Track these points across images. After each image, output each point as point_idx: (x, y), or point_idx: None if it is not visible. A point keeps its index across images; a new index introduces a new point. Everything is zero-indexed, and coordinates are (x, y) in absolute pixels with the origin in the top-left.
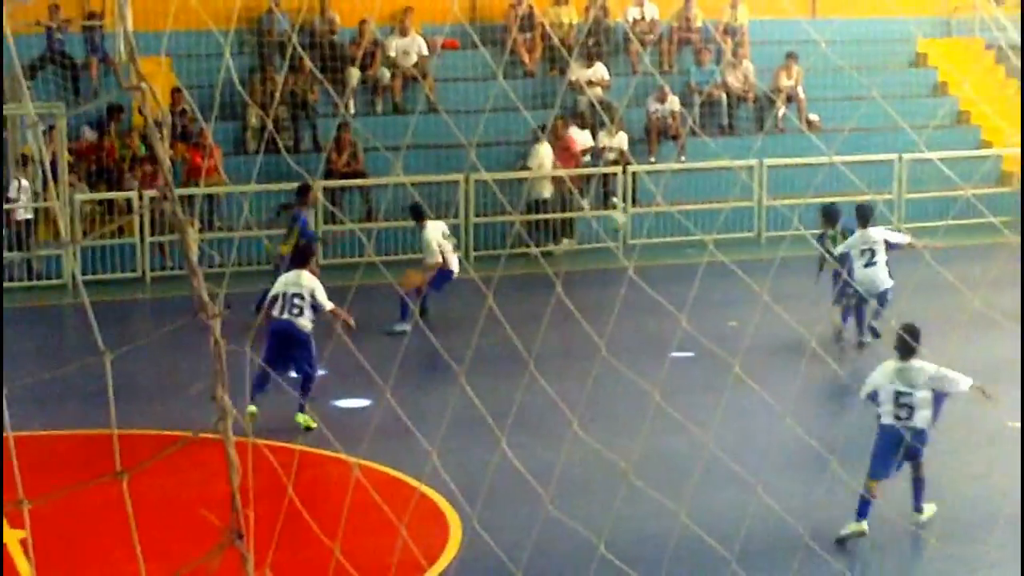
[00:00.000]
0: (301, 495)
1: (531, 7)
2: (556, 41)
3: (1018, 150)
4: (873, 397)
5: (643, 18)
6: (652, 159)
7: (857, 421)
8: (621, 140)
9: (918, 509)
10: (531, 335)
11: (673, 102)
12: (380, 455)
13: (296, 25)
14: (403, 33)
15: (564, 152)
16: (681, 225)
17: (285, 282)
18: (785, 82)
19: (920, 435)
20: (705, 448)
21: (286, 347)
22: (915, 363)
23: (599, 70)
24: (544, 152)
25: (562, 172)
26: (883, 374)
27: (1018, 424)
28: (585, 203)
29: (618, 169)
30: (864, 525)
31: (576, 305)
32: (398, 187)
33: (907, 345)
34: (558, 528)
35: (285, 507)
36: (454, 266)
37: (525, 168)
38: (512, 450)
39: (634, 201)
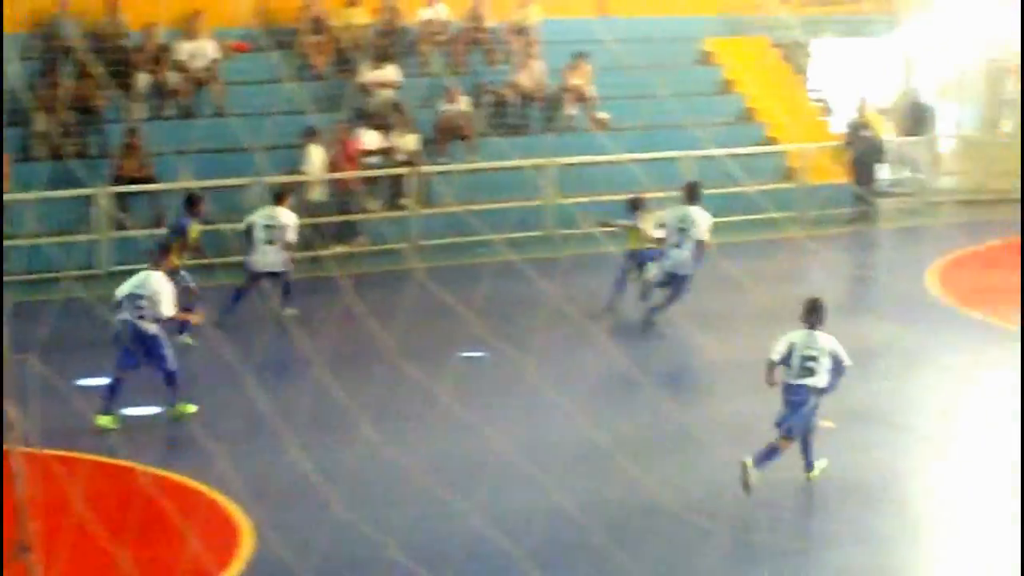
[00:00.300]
0: (91, 505)
1: (322, 10)
2: (346, 43)
3: (802, 146)
4: (785, 360)
5: (434, 19)
6: (443, 159)
7: (647, 415)
8: (412, 141)
9: (809, 467)
10: (323, 338)
11: (464, 102)
12: (172, 462)
13: (84, 29)
14: (193, 36)
15: (346, 154)
16: (472, 225)
17: (132, 283)
18: (575, 81)
19: (820, 392)
20: (497, 447)
21: (136, 348)
22: (818, 333)
23: (390, 71)
24: (315, 155)
25: (353, 173)
26: (793, 339)
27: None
28: (374, 204)
29: (409, 170)
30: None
31: (368, 308)
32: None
33: (813, 316)
34: (350, 531)
35: (73, 518)
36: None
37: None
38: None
39: (425, 202)
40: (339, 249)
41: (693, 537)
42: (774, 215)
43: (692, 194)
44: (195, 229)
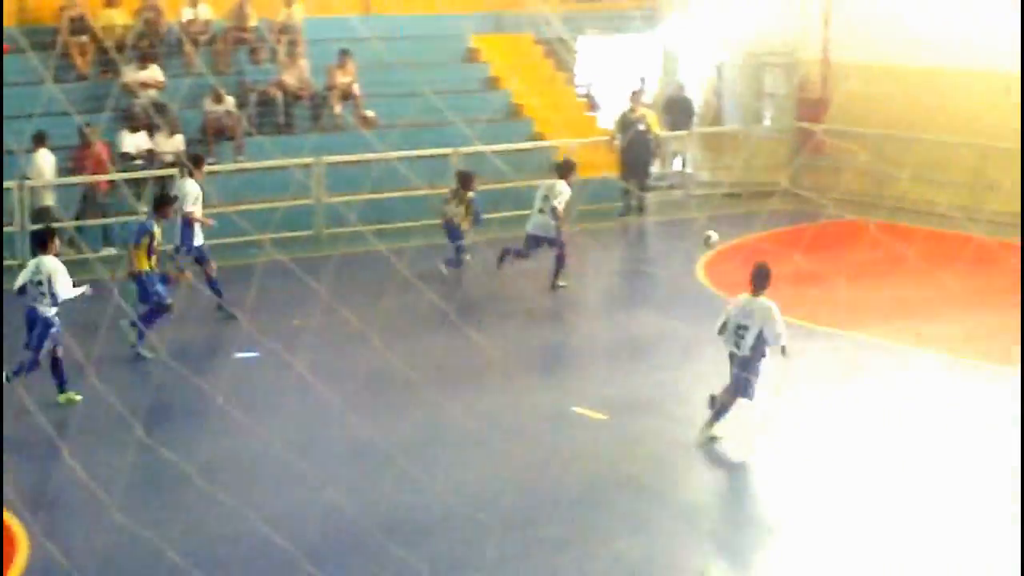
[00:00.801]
0: None
1: (82, 10)
2: (108, 44)
3: (569, 141)
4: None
5: (197, 18)
6: (210, 160)
7: (423, 413)
8: (177, 142)
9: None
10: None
11: (229, 102)
12: None
13: None
14: None
15: (93, 158)
16: (240, 226)
17: (28, 270)
18: (341, 79)
19: (744, 363)
20: (272, 447)
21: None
22: (761, 299)
23: (153, 72)
24: (42, 160)
25: (115, 176)
26: (733, 307)
27: (580, 409)
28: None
29: (175, 171)
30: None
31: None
32: None
33: (759, 282)
34: (126, 535)
35: None
36: None
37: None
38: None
39: None
40: (106, 252)
41: (471, 533)
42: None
43: (563, 169)
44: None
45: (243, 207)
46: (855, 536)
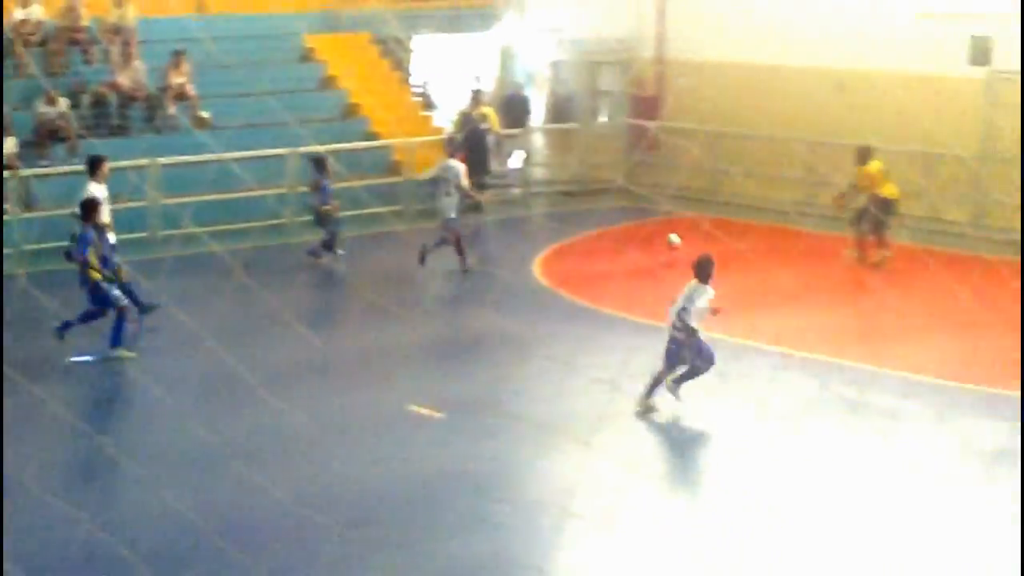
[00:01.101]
0: None
1: None
2: None
3: (406, 140)
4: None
5: (28, 19)
6: (43, 162)
7: (256, 415)
8: (10, 144)
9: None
10: None
11: (63, 103)
12: None
13: None
14: None
15: None
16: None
17: None
18: (175, 80)
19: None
20: (107, 451)
21: None
22: (706, 287)
23: None
24: None
25: None
26: (682, 294)
27: (417, 408)
28: None
29: (8, 173)
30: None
31: None
32: None
33: (703, 272)
34: None
35: None
36: None
37: None
38: None
39: (26, 205)
40: None
41: (310, 534)
42: (380, 210)
43: (454, 149)
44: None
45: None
46: (692, 528)
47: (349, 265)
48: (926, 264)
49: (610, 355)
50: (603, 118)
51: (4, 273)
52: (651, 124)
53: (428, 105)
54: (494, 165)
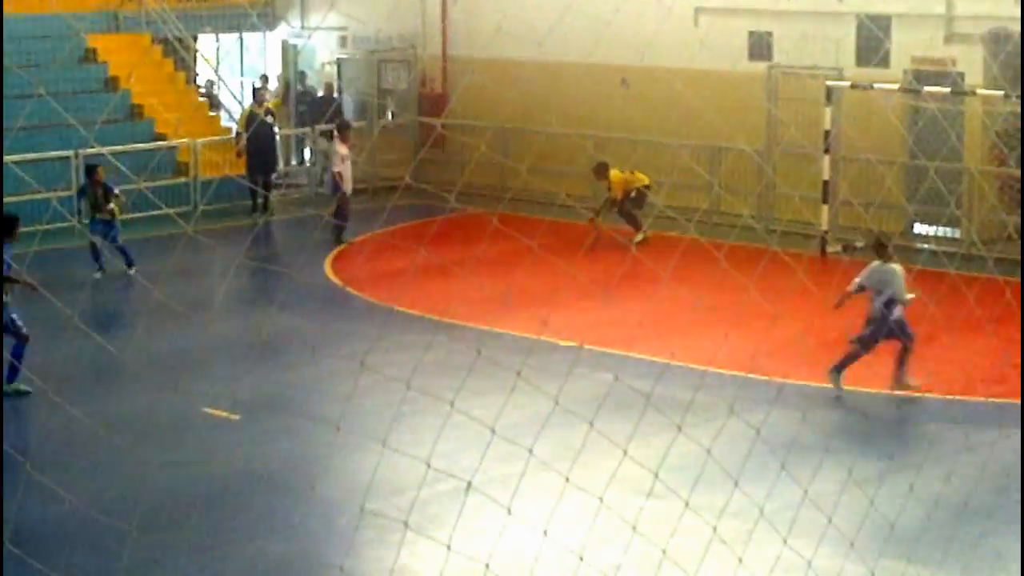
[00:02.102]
0: None
1: None
2: None
3: (192, 141)
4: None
5: None
6: None
7: (51, 418)
8: None
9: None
10: None
11: None
12: None
13: None
14: None
15: None
16: None
17: None
18: None
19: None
20: None
21: None
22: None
23: None
24: None
25: None
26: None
27: (212, 410)
28: None
29: None
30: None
31: None
32: None
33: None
34: None
35: None
36: None
37: None
38: None
39: None
40: None
41: (108, 540)
42: (168, 211)
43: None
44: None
45: None
46: (490, 524)
47: (139, 267)
48: (713, 257)
49: (403, 353)
50: (389, 116)
51: None
52: (437, 121)
53: (214, 105)
54: (281, 164)
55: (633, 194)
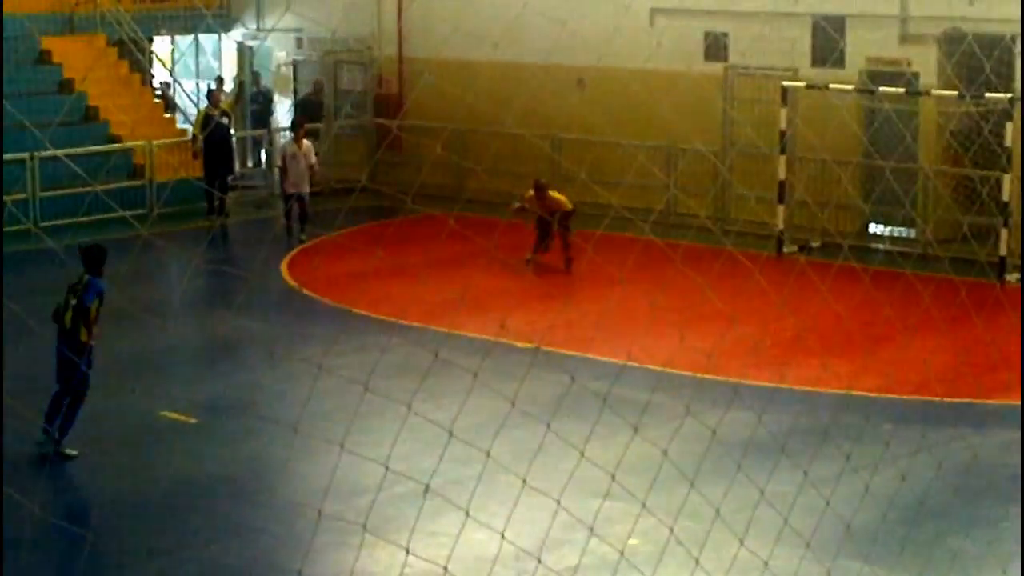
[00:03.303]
0: None
1: None
2: None
3: (147, 143)
4: None
5: None
6: None
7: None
8: None
9: None
10: None
11: None
12: None
13: None
14: None
15: None
16: None
17: None
18: None
19: None
20: None
21: None
22: None
23: None
24: None
25: None
26: None
27: (169, 413)
28: None
29: None
30: None
31: None
32: None
33: None
34: None
35: None
36: None
37: None
38: None
39: None
40: None
41: (64, 546)
42: (123, 214)
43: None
44: None
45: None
46: (449, 526)
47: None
48: (670, 258)
49: (361, 355)
50: (346, 118)
51: None
52: (394, 123)
53: (169, 107)
54: (238, 166)
55: (567, 213)
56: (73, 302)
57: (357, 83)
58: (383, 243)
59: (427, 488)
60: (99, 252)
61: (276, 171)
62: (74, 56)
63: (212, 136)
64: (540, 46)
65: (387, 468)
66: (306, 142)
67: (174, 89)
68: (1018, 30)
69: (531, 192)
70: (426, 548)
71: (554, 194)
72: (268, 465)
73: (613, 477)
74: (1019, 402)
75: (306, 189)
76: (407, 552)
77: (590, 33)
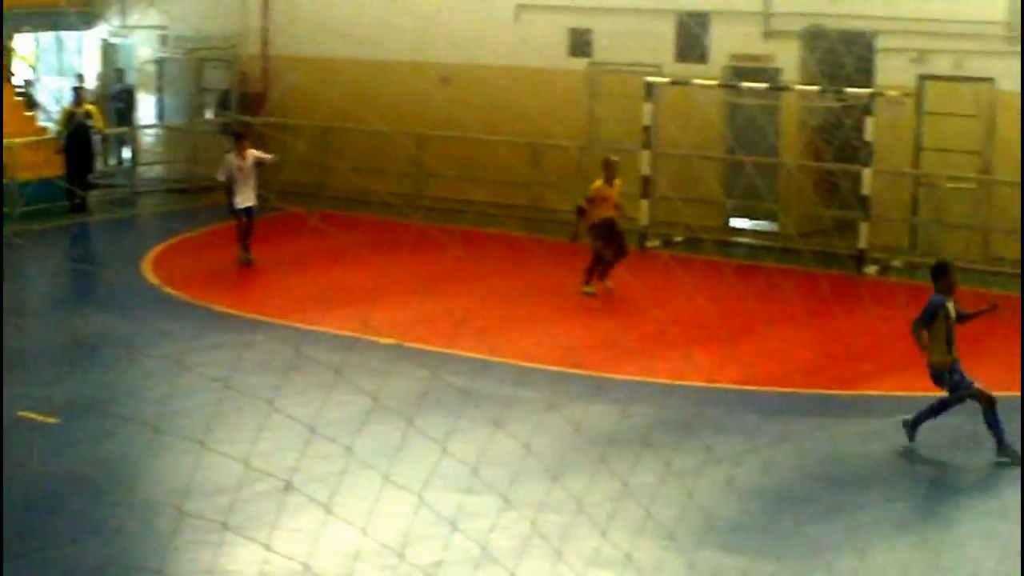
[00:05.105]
0: None
1: None
2: None
3: (9, 141)
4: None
5: None
6: None
7: None
8: None
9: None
10: None
11: None
12: None
13: None
14: None
15: None
16: None
17: None
18: None
19: None
20: None
21: None
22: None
23: None
24: None
25: None
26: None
27: (27, 413)
28: None
29: None
30: None
31: None
32: None
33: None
34: None
35: None
36: None
37: None
38: None
39: None
40: None
41: None
42: None
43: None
44: None
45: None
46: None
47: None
48: (535, 253)
49: (222, 352)
50: (209, 115)
51: None
52: (257, 121)
53: (31, 105)
54: (99, 164)
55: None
56: None
57: (222, 81)
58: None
59: (288, 485)
60: None
61: (221, 184)
62: None
63: (74, 134)
64: (405, 44)
65: (247, 465)
66: (251, 151)
67: (36, 87)
68: (878, 26)
69: (598, 183)
70: (287, 545)
71: (618, 180)
72: (127, 464)
73: (475, 471)
74: (878, 392)
75: (253, 202)
76: (267, 549)
77: (455, 30)
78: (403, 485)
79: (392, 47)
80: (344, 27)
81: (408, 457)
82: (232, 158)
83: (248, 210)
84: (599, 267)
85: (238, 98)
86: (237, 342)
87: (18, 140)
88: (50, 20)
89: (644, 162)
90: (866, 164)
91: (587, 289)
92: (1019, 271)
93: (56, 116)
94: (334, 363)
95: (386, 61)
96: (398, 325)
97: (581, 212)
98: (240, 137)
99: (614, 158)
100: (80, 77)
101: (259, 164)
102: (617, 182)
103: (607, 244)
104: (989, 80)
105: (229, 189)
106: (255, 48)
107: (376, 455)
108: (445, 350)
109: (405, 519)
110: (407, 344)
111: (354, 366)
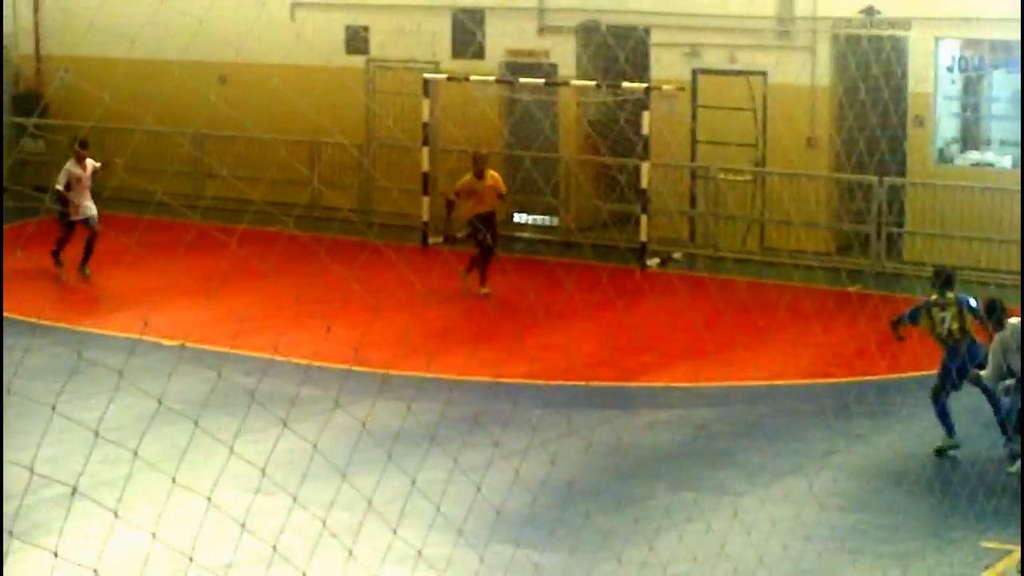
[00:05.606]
0: None
1: None
2: None
3: None
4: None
5: None
6: None
7: None
8: None
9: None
10: None
11: None
12: None
13: None
14: None
15: None
16: None
17: None
18: None
19: None
20: None
21: None
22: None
23: None
24: None
25: None
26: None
27: None
28: None
29: None
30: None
31: None
32: None
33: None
34: None
35: None
36: None
37: None
38: None
39: None
40: None
41: None
42: None
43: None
44: None
45: None
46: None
47: None
48: (315, 251)
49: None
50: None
51: None
52: (30, 122)
53: None
54: None
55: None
56: None
57: None
58: (24, 244)
59: (75, 490)
60: None
61: (52, 195)
62: None
63: None
64: (179, 42)
65: (32, 472)
66: (89, 161)
67: None
68: (652, 20)
69: (467, 177)
70: (76, 552)
71: (492, 173)
72: None
73: (263, 472)
74: (663, 383)
75: (94, 211)
76: (55, 556)
77: (230, 29)
78: (192, 487)
79: (167, 46)
80: (117, 25)
81: (196, 459)
82: (72, 167)
83: (87, 220)
84: (471, 263)
85: (12, 99)
86: (17, 347)
87: None
88: None
89: (424, 159)
90: (644, 158)
91: (483, 291)
92: (795, 262)
93: None
94: (118, 366)
95: (161, 60)
96: (181, 326)
97: (450, 205)
98: (83, 146)
99: (484, 151)
100: None
101: (94, 173)
102: (491, 173)
103: (478, 241)
104: (761, 73)
105: (65, 200)
106: (27, 47)
107: (164, 458)
108: (229, 350)
109: (195, 522)
110: (191, 345)
111: (138, 368)
